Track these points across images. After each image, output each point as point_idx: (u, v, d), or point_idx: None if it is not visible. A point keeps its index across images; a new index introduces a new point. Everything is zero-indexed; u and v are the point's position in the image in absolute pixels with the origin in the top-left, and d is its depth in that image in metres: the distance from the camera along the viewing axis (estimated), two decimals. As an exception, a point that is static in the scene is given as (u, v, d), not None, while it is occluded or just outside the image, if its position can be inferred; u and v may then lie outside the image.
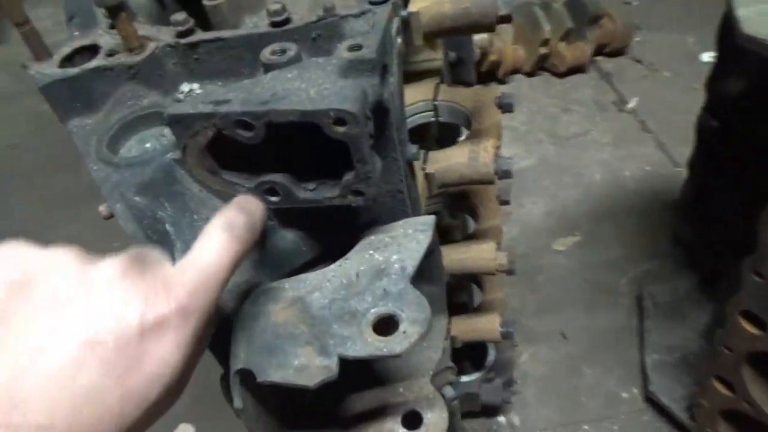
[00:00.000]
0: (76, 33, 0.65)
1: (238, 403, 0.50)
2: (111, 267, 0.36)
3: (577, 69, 2.58)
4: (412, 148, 0.60)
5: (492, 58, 2.50)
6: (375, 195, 0.50)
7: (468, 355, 1.40)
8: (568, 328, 1.70)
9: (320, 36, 0.54)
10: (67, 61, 0.58)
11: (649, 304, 1.58)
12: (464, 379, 1.34)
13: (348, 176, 0.49)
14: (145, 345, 0.35)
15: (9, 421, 0.30)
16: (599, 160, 2.21)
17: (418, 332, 0.46)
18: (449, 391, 0.72)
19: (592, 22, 2.46)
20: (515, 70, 2.65)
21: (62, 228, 2.23)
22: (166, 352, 0.36)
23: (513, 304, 1.76)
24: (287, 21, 0.53)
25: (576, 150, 2.27)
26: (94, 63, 0.56)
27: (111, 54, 0.56)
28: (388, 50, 0.53)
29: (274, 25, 0.53)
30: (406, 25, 0.58)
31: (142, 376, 0.35)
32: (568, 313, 1.73)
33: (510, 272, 1.05)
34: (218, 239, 0.41)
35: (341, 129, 0.44)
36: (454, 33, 0.60)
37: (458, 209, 1.10)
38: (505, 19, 0.57)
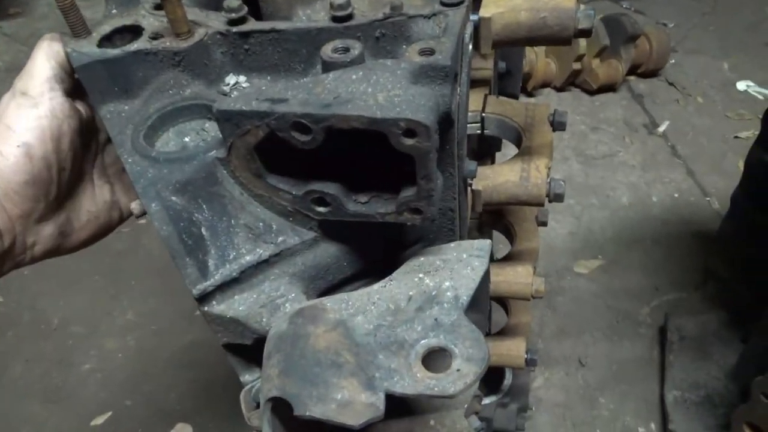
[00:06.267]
0: (115, 11, 0.60)
1: None
2: None
3: (608, 87, 2.53)
4: (471, 165, 0.55)
5: (523, 69, 2.45)
6: (434, 215, 0.45)
7: (483, 378, 1.35)
8: (587, 354, 1.64)
9: (384, 36, 0.49)
10: (107, 40, 0.53)
11: (674, 336, 1.52)
12: (479, 401, 1.28)
13: (407, 192, 0.44)
14: None
15: None
16: (627, 183, 2.15)
17: (475, 372, 0.42)
18: (476, 422, 0.68)
19: (629, 42, 2.40)
20: (545, 84, 2.59)
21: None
22: None
23: (531, 326, 1.70)
24: (350, 17, 0.49)
25: (604, 171, 2.21)
26: (136, 45, 0.51)
27: (155, 37, 0.51)
28: (460, 58, 0.48)
29: (335, 19, 0.49)
30: (474, 31, 0.53)
31: None
32: (588, 339, 1.68)
33: (540, 297, 1.00)
34: None
35: (410, 141, 0.39)
36: (525, 43, 0.55)
37: (491, 227, 1.05)
38: (585, 33, 0.52)
